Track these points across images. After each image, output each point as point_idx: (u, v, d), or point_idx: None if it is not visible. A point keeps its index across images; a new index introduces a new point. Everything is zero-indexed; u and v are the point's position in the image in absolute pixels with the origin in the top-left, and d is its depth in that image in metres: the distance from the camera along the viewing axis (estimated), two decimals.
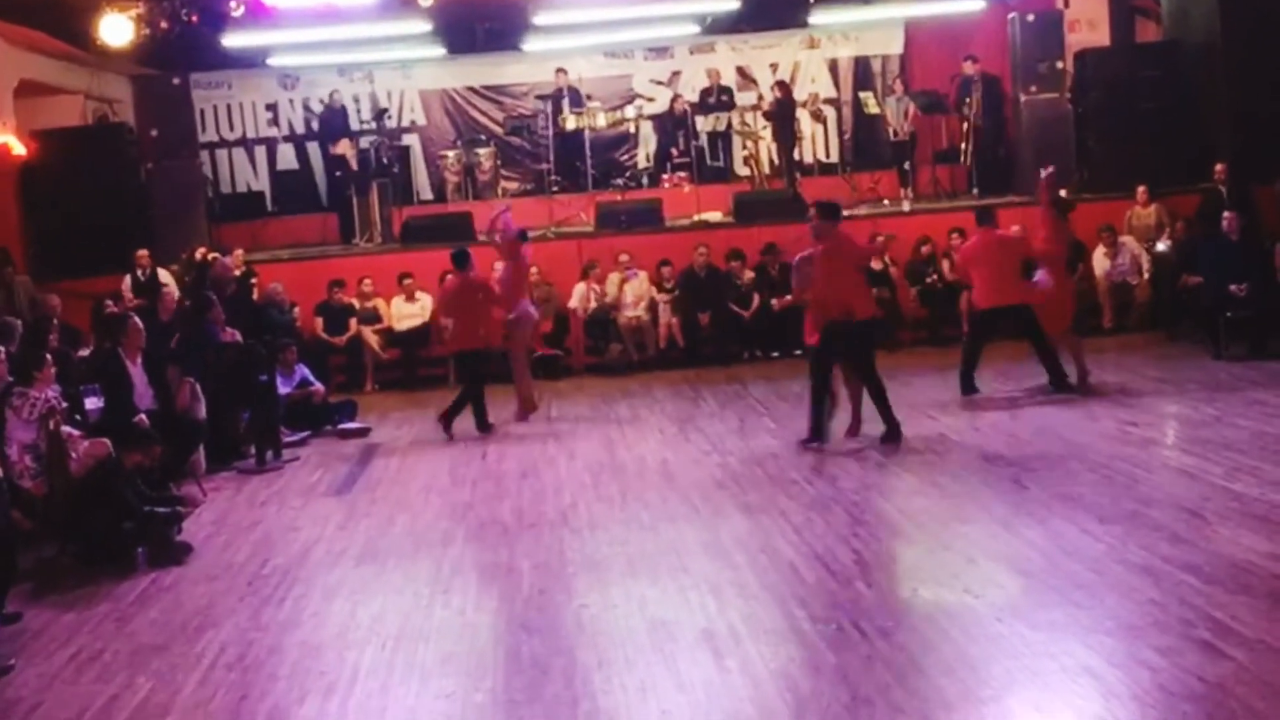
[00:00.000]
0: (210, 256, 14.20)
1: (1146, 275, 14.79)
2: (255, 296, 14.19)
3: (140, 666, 6.54)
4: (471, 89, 19.94)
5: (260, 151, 19.69)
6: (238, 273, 14.22)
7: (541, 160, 18.27)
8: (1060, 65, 16.72)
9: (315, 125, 19.19)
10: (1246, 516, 7.58)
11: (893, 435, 10.19)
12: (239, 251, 15.37)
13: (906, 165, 17.54)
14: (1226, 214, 13.23)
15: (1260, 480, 8.32)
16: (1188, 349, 13.24)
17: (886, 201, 17.20)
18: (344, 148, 17.39)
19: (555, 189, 17.79)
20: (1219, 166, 14.82)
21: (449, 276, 12.57)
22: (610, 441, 11.27)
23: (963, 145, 17.53)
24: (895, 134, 17.85)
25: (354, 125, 18.69)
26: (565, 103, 18.05)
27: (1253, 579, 6.51)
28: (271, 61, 18.30)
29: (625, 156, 19.43)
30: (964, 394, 11.70)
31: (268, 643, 6.75)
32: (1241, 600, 6.23)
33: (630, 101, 18.82)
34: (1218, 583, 6.50)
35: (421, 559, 8.09)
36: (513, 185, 19.25)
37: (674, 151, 18.40)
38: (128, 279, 14.36)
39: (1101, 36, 17.90)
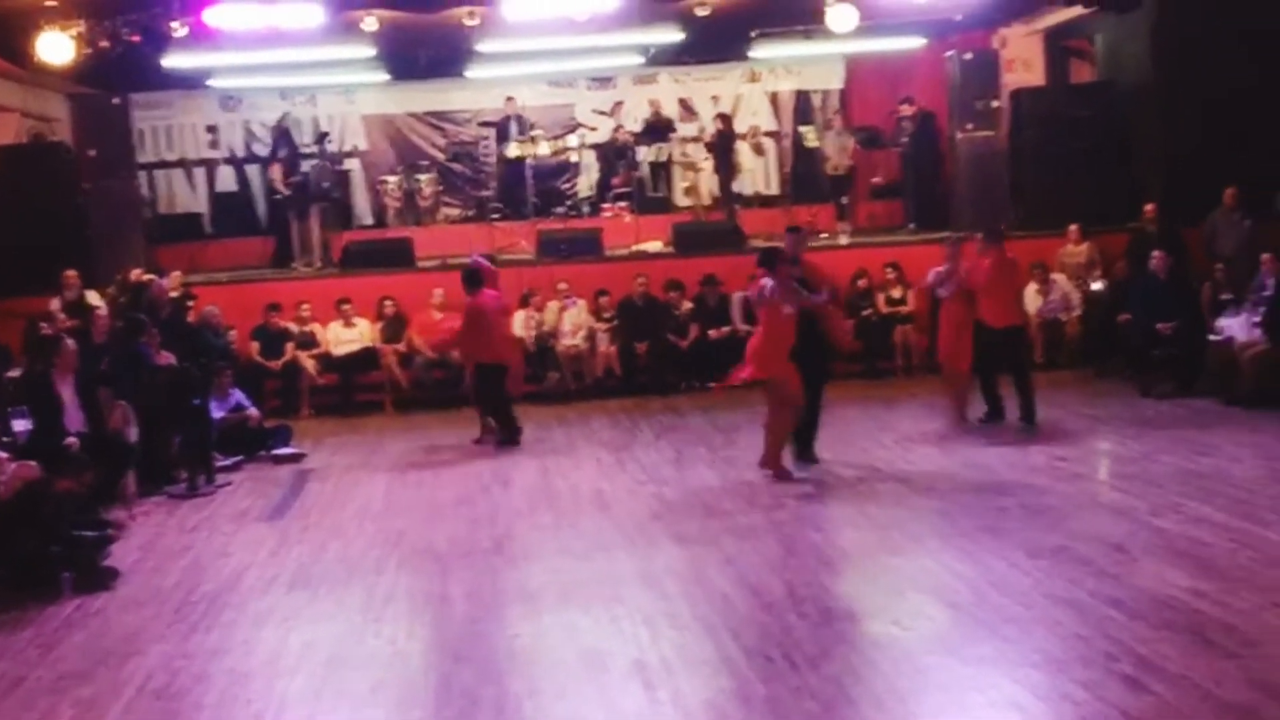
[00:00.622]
0: (146, 278, 14.07)
1: (1077, 312, 15.03)
2: (191, 319, 14.07)
3: (63, 694, 6.45)
4: (414, 115, 19.97)
5: (199, 173, 19.59)
6: (174, 295, 14.10)
7: (483, 187, 18.30)
8: (996, 104, 16.99)
9: (265, 148, 19.05)
10: (1170, 552, 7.71)
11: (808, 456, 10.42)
12: (176, 273, 15.22)
13: (844, 199, 17.73)
14: (1156, 254, 13.47)
15: (1184, 517, 8.47)
16: (1116, 386, 13.46)
17: (824, 235, 17.36)
18: (276, 172, 17.28)
19: (496, 216, 17.81)
20: (1149, 207, 15.08)
21: (470, 301, 12.56)
22: (546, 470, 11.27)
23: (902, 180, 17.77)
24: (834, 168, 18.03)
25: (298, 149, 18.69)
26: (513, 130, 18.09)
27: (1175, 614, 6.62)
28: (213, 83, 18.23)
29: (566, 185, 19.52)
30: (1027, 425, 11.68)
31: (194, 670, 6.69)
32: (1164, 635, 6.33)
33: (573, 130, 18.91)
34: (1141, 617, 6.60)
35: (354, 586, 8.04)
36: (454, 212, 19.27)
37: (615, 181, 18.50)
38: (56, 300, 14.16)
39: (1037, 76, 18.22)
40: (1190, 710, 5.47)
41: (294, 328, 15.07)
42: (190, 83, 18.13)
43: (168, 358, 11.66)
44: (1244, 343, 12.28)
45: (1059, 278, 15.25)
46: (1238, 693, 5.58)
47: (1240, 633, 6.29)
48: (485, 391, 12.55)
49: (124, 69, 15.73)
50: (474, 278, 12.56)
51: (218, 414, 12.07)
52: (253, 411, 12.71)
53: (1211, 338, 12.77)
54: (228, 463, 11.85)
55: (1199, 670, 5.86)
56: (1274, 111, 15.13)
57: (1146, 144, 16.19)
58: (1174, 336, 12.96)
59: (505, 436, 12.40)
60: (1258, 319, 12.19)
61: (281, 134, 18.17)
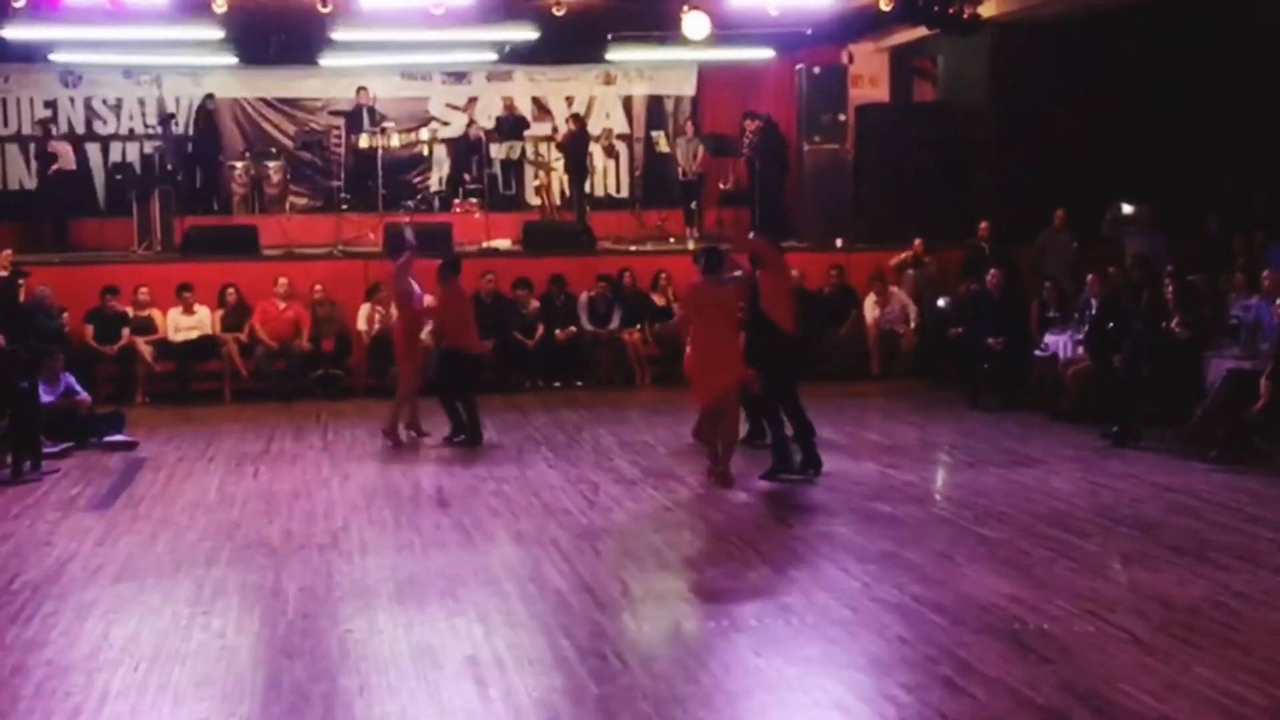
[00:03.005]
0: None
1: (913, 324, 15.43)
2: (21, 299, 13.62)
3: None
4: (264, 100, 19.58)
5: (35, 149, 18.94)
6: (3, 274, 13.64)
7: (332, 177, 18.06)
8: (843, 118, 17.36)
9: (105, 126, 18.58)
10: (992, 560, 7.99)
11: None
12: (7, 251, 14.72)
13: (694, 205, 17.94)
14: (991, 271, 13.91)
15: (1006, 525, 8.78)
16: (947, 398, 13.86)
17: (672, 239, 17.54)
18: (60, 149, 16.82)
19: (344, 207, 17.59)
20: (983, 225, 15.55)
21: (438, 287, 12.18)
22: (386, 465, 11.19)
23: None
24: (684, 174, 18.24)
25: (138, 129, 18.29)
26: (365, 120, 17.88)
27: (995, 620, 6.87)
28: (53, 57, 17.68)
29: (417, 179, 19.36)
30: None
31: (11, 662, 6.48)
32: (984, 640, 6.56)
33: (425, 124, 18.76)
34: (963, 623, 6.83)
35: (182, 578, 7.89)
36: (301, 201, 18.96)
37: (466, 177, 18.44)
38: None
39: (882, 93, 18.64)
40: (1005, 713, 5.68)
41: (131, 312, 14.69)
42: (29, 55, 17.56)
43: None
44: (1068, 359, 12.77)
45: (896, 290, 15.63)
46: (1051, 697, 5.81)
47: (1054, 639, 6.55)
48: (454, 381, 12.03)
49: None
50: (454, 265, 12.21)
51: (46, 398, 11.71)
52: (84, 397, 12.34)
53: (1037, 353, 13.24)
54: (56, 449, 11.48)
55: (1015, 675, 6.08)
56: (1102, 137, 15.73)
57: (982, 163, 16.72)
58: (1003, 351, 13.40)
59: (471, 437, 11.89)
60: (1081, 336, 12.68)
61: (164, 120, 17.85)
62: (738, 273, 10.46)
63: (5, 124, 18.86)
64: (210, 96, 18.67)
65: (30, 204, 18.18)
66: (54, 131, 18.20)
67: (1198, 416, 11.01)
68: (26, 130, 18.87)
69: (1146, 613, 6.93)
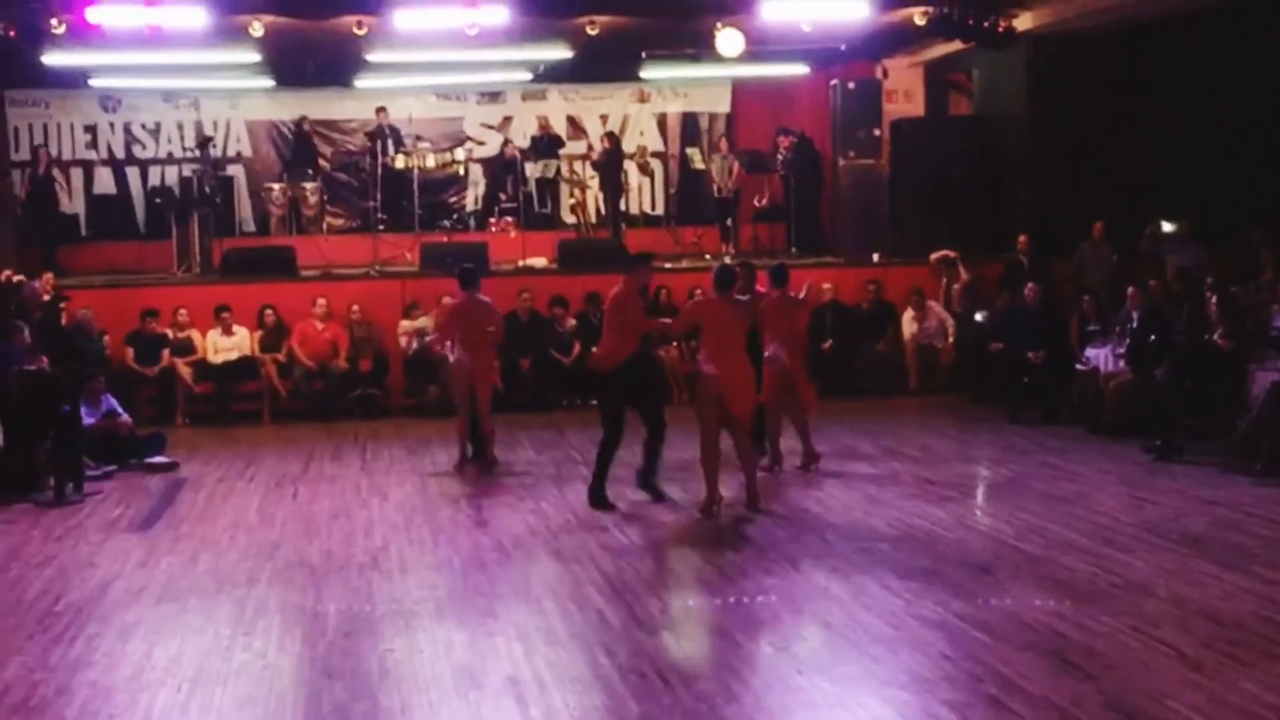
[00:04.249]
0: (17, 280, 13.73)
1: (951, 339, 15.35)
2: (63, 322, 13.75)
3: None
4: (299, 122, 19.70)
5: (77, 174, 19.15)
6: (46, 298, 13.78)
7: (368, 198, 18.18)
8: (878, 133, 17.32)
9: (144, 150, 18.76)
10: (1035, 576, 7.92)
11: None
12: (48, 276, 14.88)
13: (729, 221, 17.94)
14: (1029, 284, 13.84)
15: (1048, 541, 8.71)
16: (987, 412, 13.78)
17: (708, 256, 17.53)
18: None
19: (381, 228, 17.68)
20: (1021, 238, 15.48)
21: (448, 299, 12.11)
22: (424, 484, 11.21)
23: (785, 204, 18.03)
24: (719, 190, 18.23)
25: (177, 152, 18.47)
26: (389, 142, 17.97)
27: (1038, 636, 6.80)
28: (93, 82, 17.87)
29: (453, 199, 19.46)
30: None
31: (55, 683, 6.52)
32: (1027, 657, 6.50)
33: (460, 144, 18.85)
34: (1006, 639, 6.77)
35: (224, 599, 7.92)
36: (338, 222, 19.09)
37: (502, 196, 18.50)
38: None
39: (917, 107, 18.61)
40: None
41: (170, 334, 14.81)
42: (69, 81, 17.75)
43: (42, 362, 11.37)
44: (1109, 373, 12.67)
45: (934, 304, 15.57)
46: (1096, 714, 5.75)
47: (1099, 655, 6.48)
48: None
49: (0, 65, 15.36)
50: (473, 275, 11.95)
51: (89, 420, 11.80)
52: (125, 419, 12.44)
53: (1078, 367, 13.15)
54: (98, 471, 11.57)
55: (1059, 692, 6.02)
56: (1140, 148, 15.63)
57: (1018, 177, 16.63)
58: (1043, 365, 13.32)
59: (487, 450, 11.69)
60: (1122, 350, 12.58)
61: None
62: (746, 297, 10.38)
63: (47, 149, 19.00)
64: (304, 119, 18.92)
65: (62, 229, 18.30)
66: (46, 156, 18.19)
67: (1242, 430, 10.89)
68: (68, 156, 19.07)
69: (1192, 628, 6.85)
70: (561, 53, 16.78)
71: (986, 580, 7.86)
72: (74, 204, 19.08)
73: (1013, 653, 6.56)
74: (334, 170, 19.20)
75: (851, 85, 17.46)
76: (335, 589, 8.06)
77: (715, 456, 9.72)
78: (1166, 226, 14.93)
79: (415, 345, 14.83)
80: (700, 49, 16.54)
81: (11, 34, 13.77)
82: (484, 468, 11.61)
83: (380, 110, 18.34)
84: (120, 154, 19.22)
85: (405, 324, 15.08)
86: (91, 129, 19.19)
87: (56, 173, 18.50)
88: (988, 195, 16.73)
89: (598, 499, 10.01)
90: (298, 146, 19.07)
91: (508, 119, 19.76)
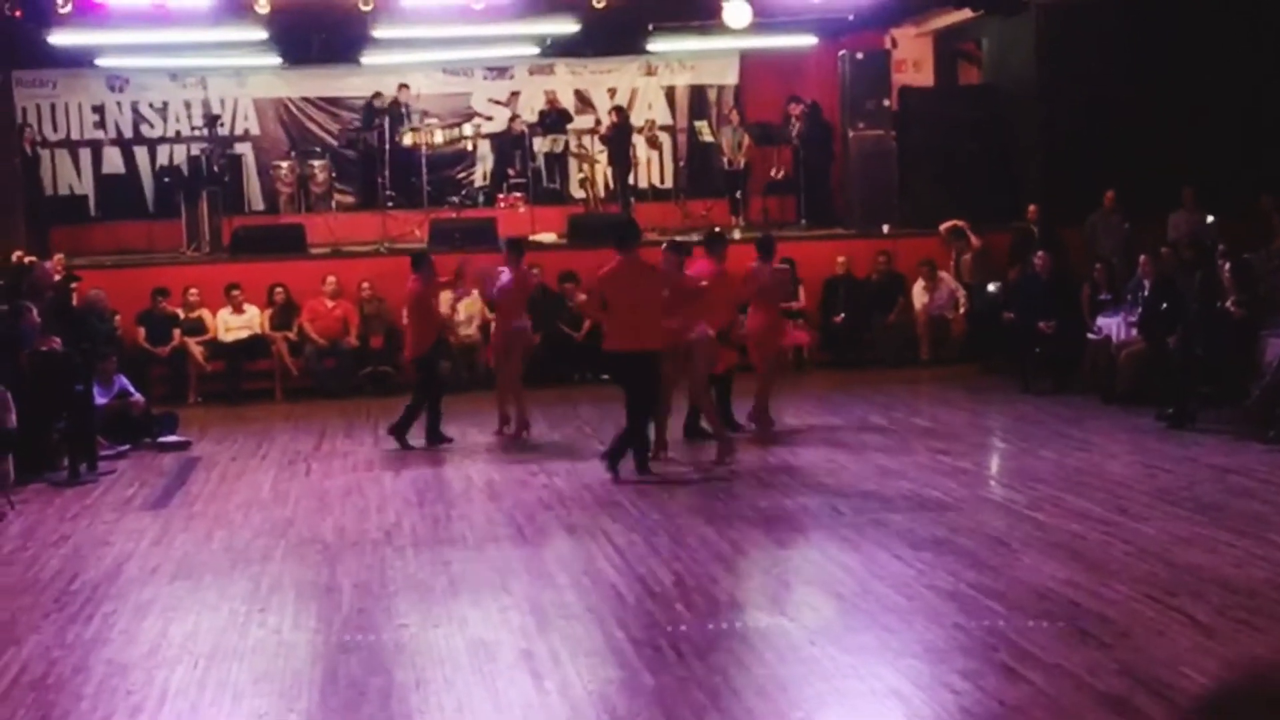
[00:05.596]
0: (29, 260, 13.74)
1: (962, 310, 15.31)
2: (75, 303, 13.77)
3: None
4: (307, 99, 19.68)
5: (85, 154, 19.14)
6: (57, 278, 13.80)
7: (376, 174, 18.13)
8: (887, 103, 17.23)
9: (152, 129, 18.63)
10: (1048, 545, 7.92)
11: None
12: (59, 256, 14.90)
13: (738, 194, 17.88)
14: (1039, 254, 13.79)
15: (1061, 510, 8.71)
16: (999, 382, 13.75)
17: (718, 229, 17.45)
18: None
19: (390, 204, 17.66)
20: (1031, 207, 15.40)
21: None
22: (437, 460, 11.23)
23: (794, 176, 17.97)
24: (729, 163, 18.16)
25: (185, 131, 18.45)
26: (405, 117, 17.90)
27: (1052, 605, 6.81)
28: (100, 62, 17.83)
29: (461, 174, 19.40)
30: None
31: (72, 661, 6.57)
32: (1041, 626, 6.51)
33: (468, 119, 18.78)
34: (1019, 608, 6.78)
35: (238, 576, 7.96)
36: (347, 199, 19.05)
37: (510, 171, 18.44)
38: None
39: (926, 77, 18.51)
40: (1065, 699, 5.64)
41: (181, 313, 14.82)
42: (76, 61, 17.72)
43: (54, 342, 11.40)
44: (1121, 342, 12.62)
45: (945, 275, 15.52)
46: (1110, 681, 5.76)
47: (1113, 623, 6.49)
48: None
49: (7, 45, 15.35)
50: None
51: (101, 400, 11.85)
52: (138, 398, 12.48)
53: (1090, 336, 13.11)
54: (111, 450, 11.62)
55: (1074, 660, 6.03)
56: (1151, 116, 15.55)
57: (1028, 146, 16.55)
58: (1054, 335, 13.28)
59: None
60: (1134, 319, 12.53)
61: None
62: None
63: (55, 129, 19.04)
64: (378, 95, 18.40)
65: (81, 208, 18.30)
66: (31, 134, 18.02)
67: (1254, 396, 10.85)
68: (76, 136, 19.07)
69: (1206, 595, 6.85)
70: (568, 26, 16.70)
71: (999, 550, 7.86)
72: (82, 184, 19.07)
73: (1026, 621, 6.57)
74: (341, 147, 19.16)
75: (860, 56, 17.33)
76: (349, 565, 8.08)
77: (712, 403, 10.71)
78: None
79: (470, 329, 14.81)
80: (707, 21, 16.42)
81: (18, 14, 13.74)
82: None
83: (403, 86, 18.21)
84: (128, 133, 19.19)
85: (461, 307, 14.96)
86: (99, 109, 19.15)
87: (44, 152, 18.36)
88: (998, 165, 16.65)
89: (644, 467, 10.19)
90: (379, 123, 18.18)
91: (515, 94, 19.67)
